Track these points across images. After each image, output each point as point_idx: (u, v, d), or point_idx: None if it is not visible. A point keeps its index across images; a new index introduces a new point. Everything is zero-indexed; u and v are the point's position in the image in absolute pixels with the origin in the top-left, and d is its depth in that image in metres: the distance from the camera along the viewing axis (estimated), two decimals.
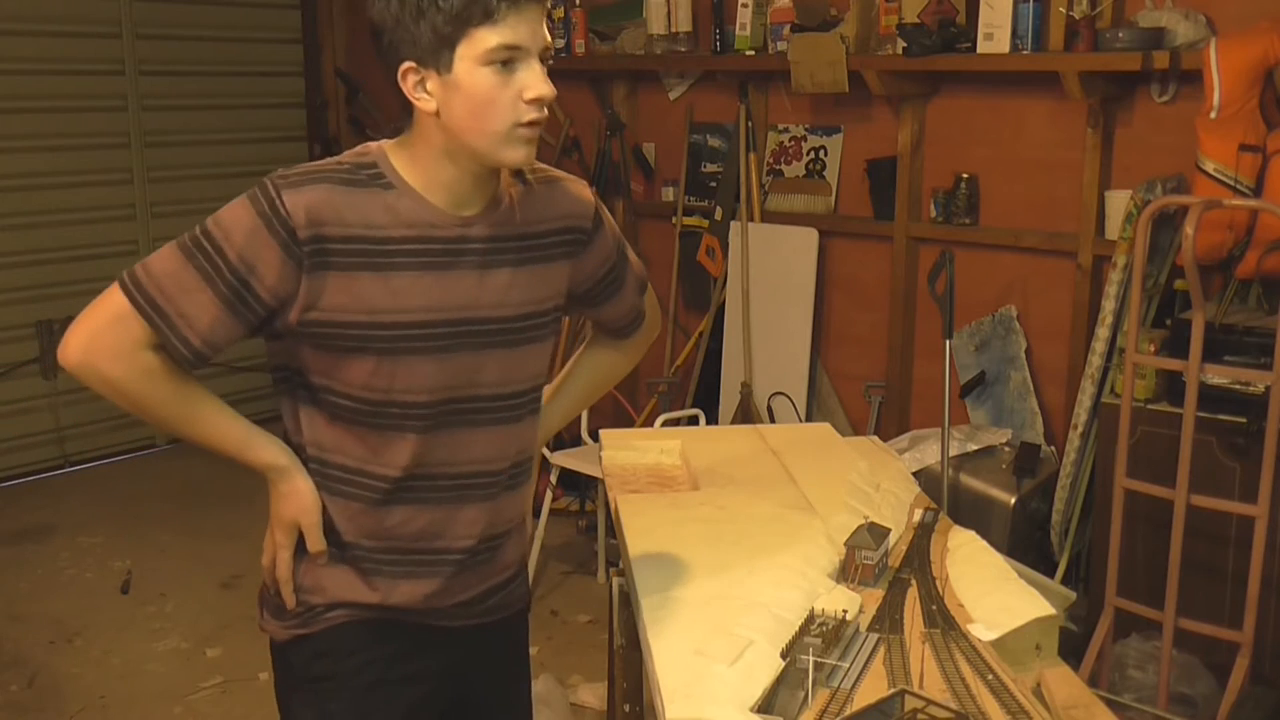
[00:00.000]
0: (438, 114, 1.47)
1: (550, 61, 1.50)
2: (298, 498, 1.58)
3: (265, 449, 1.58)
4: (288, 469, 1.58)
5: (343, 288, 1.48)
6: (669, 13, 4.39)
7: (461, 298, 1.55)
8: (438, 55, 1.44)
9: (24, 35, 4.89)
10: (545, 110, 1.49)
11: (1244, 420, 2.89)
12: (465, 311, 1.55)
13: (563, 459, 4.01)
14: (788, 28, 4.02)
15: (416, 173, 1.53)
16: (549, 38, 1.49)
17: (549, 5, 1.50)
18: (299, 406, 1.59)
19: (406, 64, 1.46)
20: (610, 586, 2.10)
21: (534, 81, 1.46)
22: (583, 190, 1.72)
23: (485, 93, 1.45)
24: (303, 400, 1.58)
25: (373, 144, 1.57)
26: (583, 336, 2.00)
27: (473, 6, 1.41)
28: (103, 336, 1.48)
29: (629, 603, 1.90)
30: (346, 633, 1.62)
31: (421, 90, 1.47)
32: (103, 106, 5.18)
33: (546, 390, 1.83)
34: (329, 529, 1.60)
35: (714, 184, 4.53)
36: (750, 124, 4.35)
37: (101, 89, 5.17)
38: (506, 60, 1.44)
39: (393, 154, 1.55)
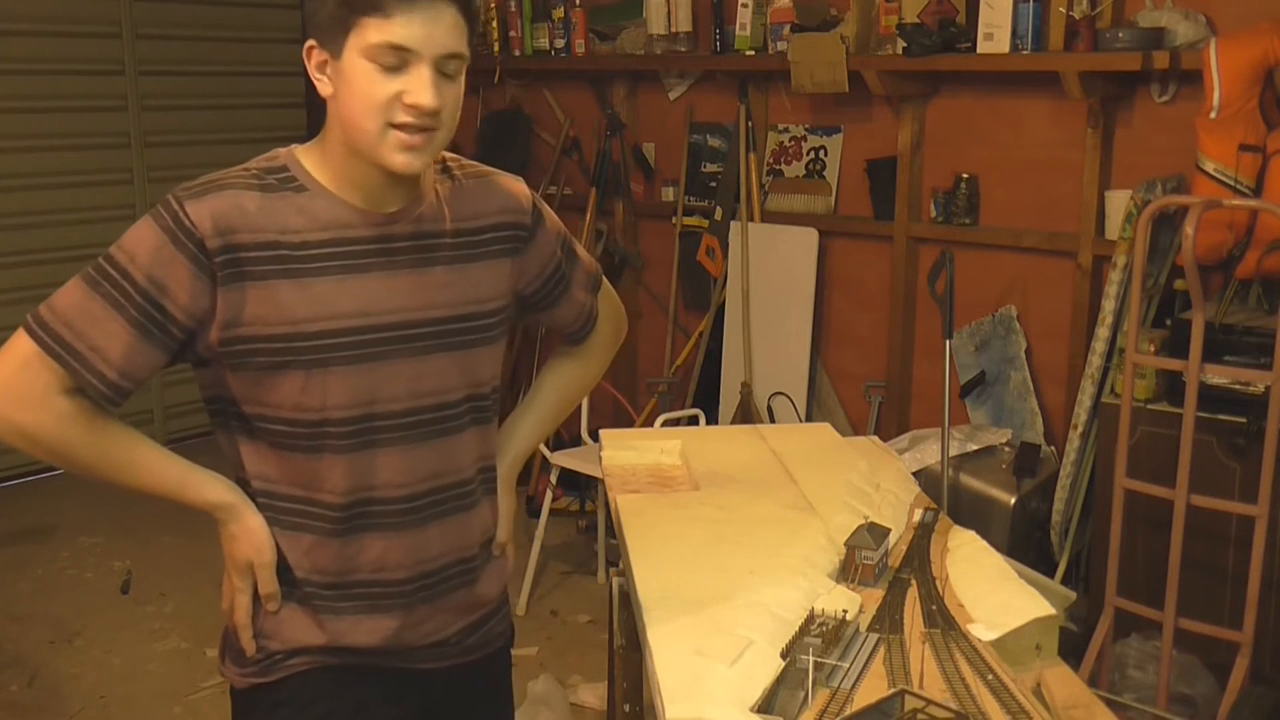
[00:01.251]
0: (334, 99, 1.42)
1: (453, 71, 1.41)
2: (249, 536, 1.50)
3: (208, 487, 1.49)
4: (235, 506, 1.49)
5: (261, 299, 1.40)
6: (669, 13, 4.39)
7: (390, 301, 1.47)
8: (334, 38, 1.38)
9: (24, 35, 4.89)
10: (430, 119, 1.39)
11: (1244, 420, 2.89)
12: (396, 315, 1.47)
13: (563, 459, 4.01)
14: (788, 28, 4.02)
15: (328, 171, 1.46)
16: (454, 45, 1.39)
17: (464, 8, 1.41)
18: (237, 439, 1.50)
19: (310, 41, 1.41)
20: (610, 586, 2.09)
21: (416, 87, 1.37)
22: (518, 186, 1.64)
23: (363, 88, 1.37)
24: (239, 431, 1.49)
25: (281, 149, 1.50)
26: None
27: None
28: (12, 385, 1.38)
29: (629, 603, 1.90)
30: (308, 681, 1.54)
31: (321, 72, 1.42)
32: (103, 106, 5.18)
33: (516, 410, 1.77)
34: (285, 566, 1.51)
35: (714, 184, 4.53)
36: (750, 124, 4.35)
37: (101, 89, 5.17)
38: (390, 58, 1.36)
39: (303, 155, 1.48)
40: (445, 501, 1.56)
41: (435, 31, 1.37)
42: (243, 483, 1.52)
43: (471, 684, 1.68)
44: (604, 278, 1.82)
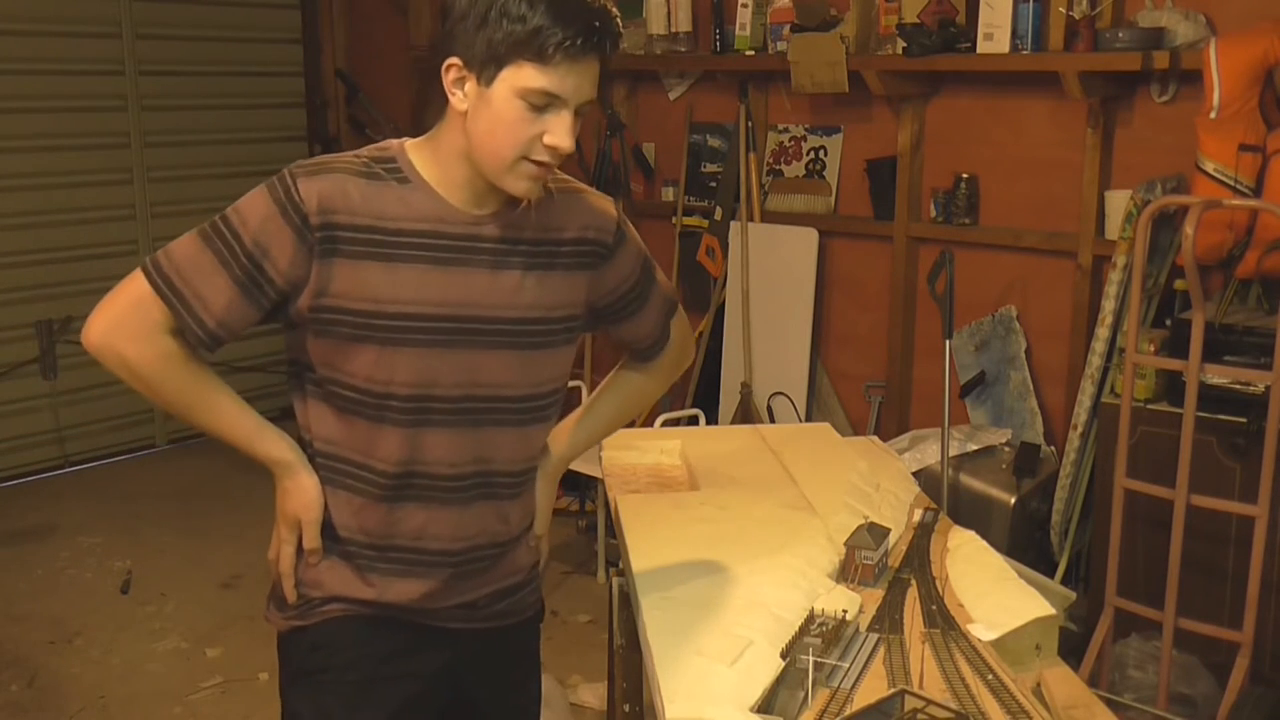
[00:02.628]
0: (465, 115, 1.50)
1: (585, 113, 1.51)
2: (301, 494, 1.61)
3: (274, 443, 1.61)
4: (293, 464, 1.61)
5: (350, 275, 1.51)
6: (669, 13, 4.39)
7: (466, 294, 1.56)
8: (484, 67, 1.47)
9: (24, 35, 4.89)
10: (559, 159, 1.51)
11: (1244, 420, 2.89)
12: (470, 309, 1.57)
13: None
14: (788, 28, 4.02)
15: (435, 169, 1.56)
16: (594, 93, 1.50)
17: (605, 61, 1.50)
18: (308, 400, 1.62)
19: (454, 59, 1.49)
20: (610, 586, 2.10)
21: (559, 130, 1.48)
22: (606, 205, 1.72)
23: (509, 122, 1.47)
24: (312, 394, 1.61)
25: (394, 141, 1.60)
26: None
27: (532, 42, 1.43)
28: (124, 319, 1.52)
29: (629, 603, 1.90)
30: (342, 627, 1.64)
31: (459, 89, 1.50)
32: (103, 106, 5.18)
33: (574, 413, 1.84)
34: (331, 524, 1.62)
35: (714, 184, 4.53)
36: (750, 124, 4.35)
37: (101, 89, 5.17)
38: (541, 103, 1.46)
39: (413, 151, 1.58)
40: (491, 486, 1.66)
41: (583, 83, 1.48)
42: (306, 443, 1.63)
43: (497, 648, 1.77)
44: (679, 306, 1.88)
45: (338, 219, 1.50)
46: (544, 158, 1.49)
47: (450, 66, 1.50)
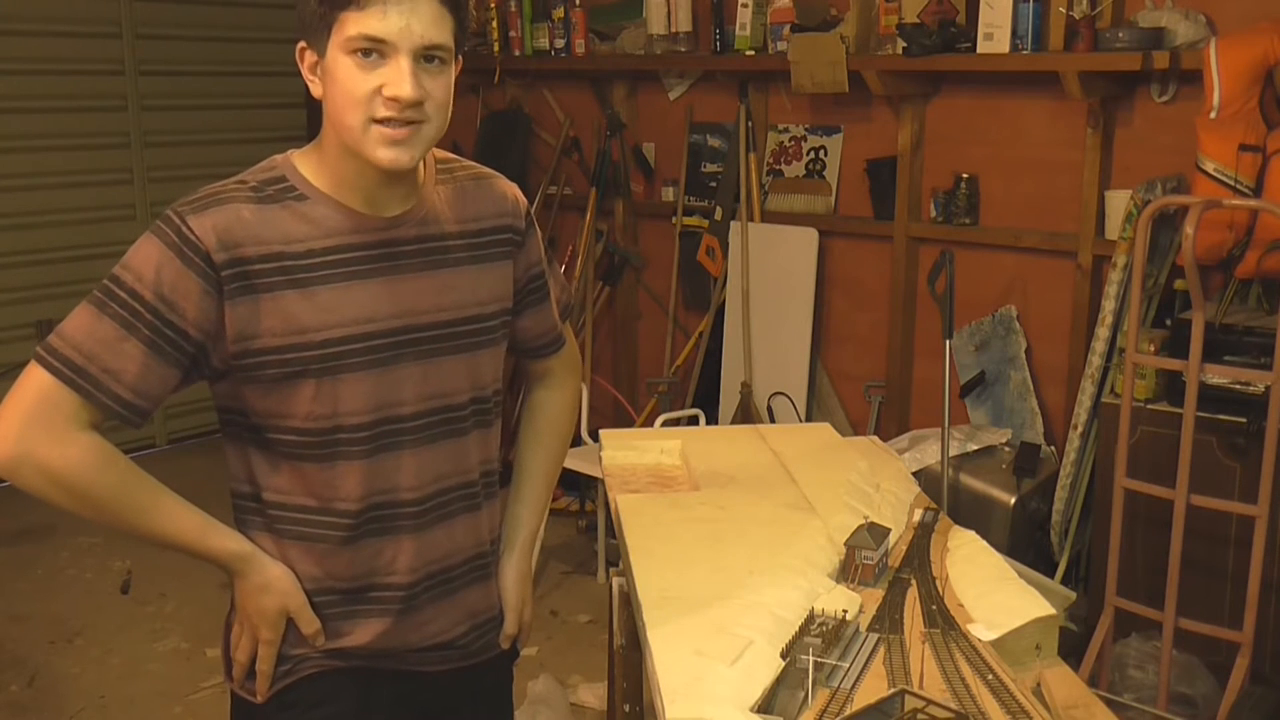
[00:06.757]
0: (325, 99, 1.42)
1: (437, 64, 1.40)
2: (278, 584, 1.50)
3: (228, 536, 1.49)
4: (253, 555, 1.50)
5: (269, 311, 1.40)
6: (669, 13, 4.39)
7: (395, 305, 1.47)
8: (319, 37, 1.39)
9: (24, 35, 4.89)
10: (414, 112, 1.38)
11: (1244, 420, 2.89)
12: (402, 319, 1.48)
13: None
14: (788, 28, 4.02)
15: (326, 176, 1.46)
16: (431, 35, 1.38)
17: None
18: (249, 451, 1.50)
19: (301, 43, 1.43)
20: (610, 586, 2.09)
21: (394, 79, 1.36)
22: (514, 189, 1.66)
23: (344, 83, 1.37)
24: (251, 444, 1.50)
25: (278, 155, 1.50)
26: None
27: None
28: (33, 422, 1.35)
29: (629, 603, 1.90)
30: (314, 684, 1.55)
31: (313, 73, 1.43)
32: (103, 106, 5.19)
33: (512, 488, 1.77)
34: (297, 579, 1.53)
35: (714, 184, 4.53)
36: (750, 124, 4.36)
37: (101, 89, 5.18)
38: (367, 51, 1.36)
39: (300, 161, 1.48)
40: (452, 503, 1.58)
41: (413, 23, 1.36)
42: (254, 496, 1.53)
43: (473, 686, 1.69)
44: (571, 311, 1.82)
45: (244, 252, 1.38)
46: (389, 113, 1.37)
47: (301, 52, 1.43)
